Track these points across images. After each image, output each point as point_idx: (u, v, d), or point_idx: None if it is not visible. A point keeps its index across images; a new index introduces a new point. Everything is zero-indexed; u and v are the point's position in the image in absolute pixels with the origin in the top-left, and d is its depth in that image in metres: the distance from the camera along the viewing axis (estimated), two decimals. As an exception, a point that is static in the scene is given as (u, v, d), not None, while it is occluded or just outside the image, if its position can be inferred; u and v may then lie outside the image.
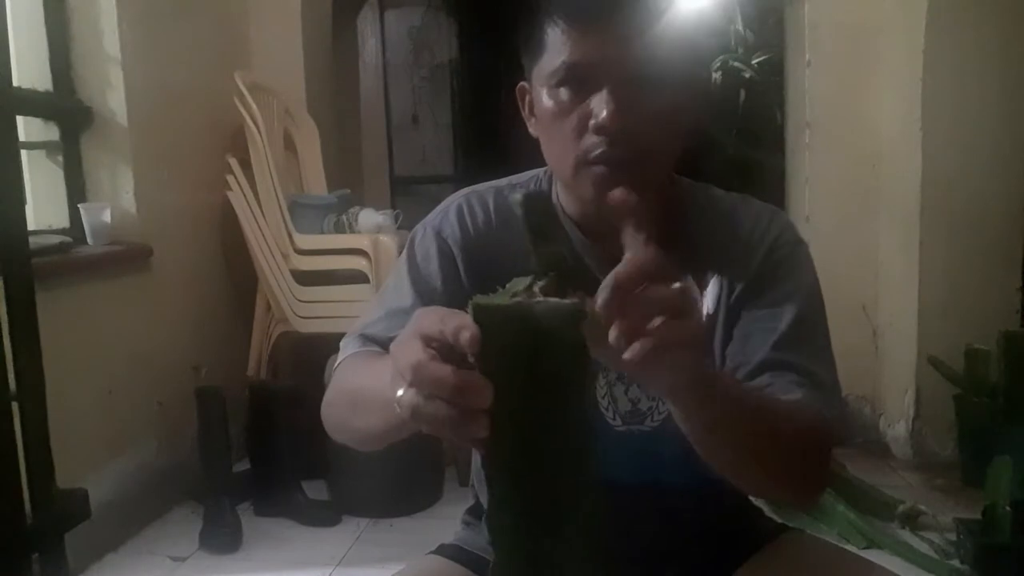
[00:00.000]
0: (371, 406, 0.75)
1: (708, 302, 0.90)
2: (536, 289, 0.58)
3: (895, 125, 2.53)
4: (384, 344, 0.89)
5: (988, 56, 2.36)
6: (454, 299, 0.67)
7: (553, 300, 0.57)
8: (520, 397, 0.56)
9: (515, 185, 0.96)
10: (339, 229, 2.59)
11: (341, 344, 0.98)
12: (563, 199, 0.91)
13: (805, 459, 0.80)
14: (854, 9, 2.63)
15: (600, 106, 0.79)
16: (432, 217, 0.96)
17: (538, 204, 0.65)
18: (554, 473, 0.58)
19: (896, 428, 2.59)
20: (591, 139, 0.80)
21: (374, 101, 4.47)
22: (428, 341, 0.59)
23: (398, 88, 4.67)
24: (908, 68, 2.43)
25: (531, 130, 0.89)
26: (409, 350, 0.59)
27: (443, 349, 0.58)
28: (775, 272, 0.89)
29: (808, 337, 0.89)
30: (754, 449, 0.73)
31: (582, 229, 0.90)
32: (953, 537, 1.95)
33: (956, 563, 1.88)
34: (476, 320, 0.56)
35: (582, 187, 0.84)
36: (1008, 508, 1.79)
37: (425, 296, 0.91)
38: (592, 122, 0.80)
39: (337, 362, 0.97)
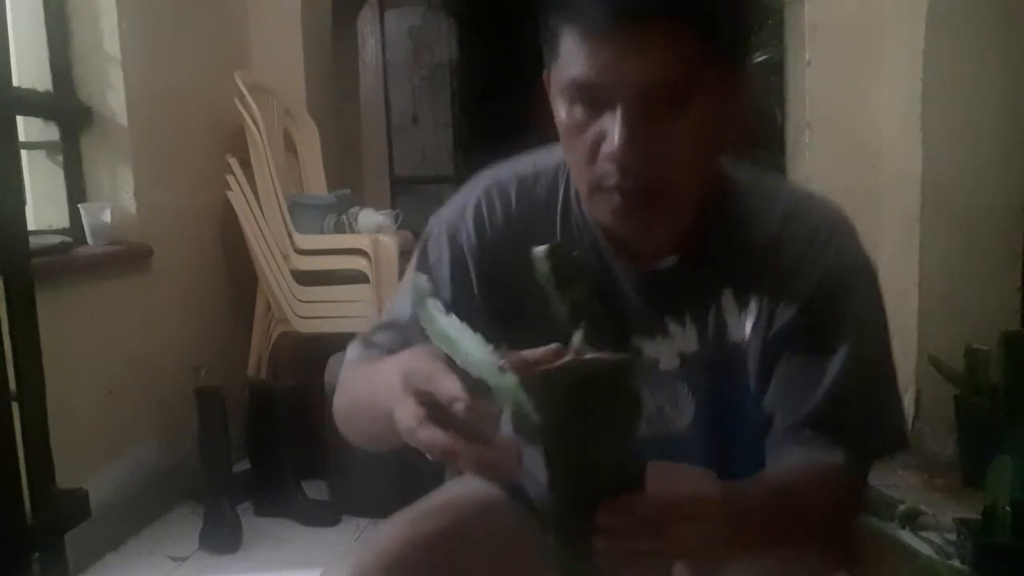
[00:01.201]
0: (373, 421, 0.76)
1: (744, 328, 0.83)
2: (575, 341, 0.60)
3: (895, 125, 2.52)
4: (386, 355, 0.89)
5: (988, 56, 2.36)
6: (462, 311, 0.65)
7: (608, 356, 0.59)
8: (580, 447, 0.60)
9: (538, 176, 0.88)
10: (339, 229, 2.59)
11: (349, 347, 0.97)
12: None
13: (831, 531, 0.79)
14: (854, 9, 2.63)
15: (612, 130, 0.71)
16: (449, 213, 0.91)
17: (563, 254, 0.66)
18: (611, 491, 0.62)
19: (896, 428, 2.59)
20: (604, 166, 0.73)
21: (374, 101, 4.48)
22: (420, 398, 0.61)
23: (398, 88, 4.67)
24: (908, 68, 2.43)
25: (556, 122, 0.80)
26: (406, 409, 0.62)
27: (436, 407, 0.60)
28: (827, 306, 0.80)
29: (859, 387, 0.81)
30: (782, 540, 0.74)
31: (606, 234, 0.84)
32: (953, 537, 1.95)
33: (956, 563, 1.88)
34: (543, 380, 0.57)
35: (598, 213, 0.78)
36: (1008, 508, 1.79)
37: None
38: (604, 149, 0.72)
39: (343, 366, 0.95)
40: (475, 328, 0.62)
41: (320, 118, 2.95)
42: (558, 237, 0.84)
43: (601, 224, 0.81)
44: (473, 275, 0.87)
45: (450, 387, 0.59)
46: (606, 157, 0.72)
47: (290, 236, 2.52)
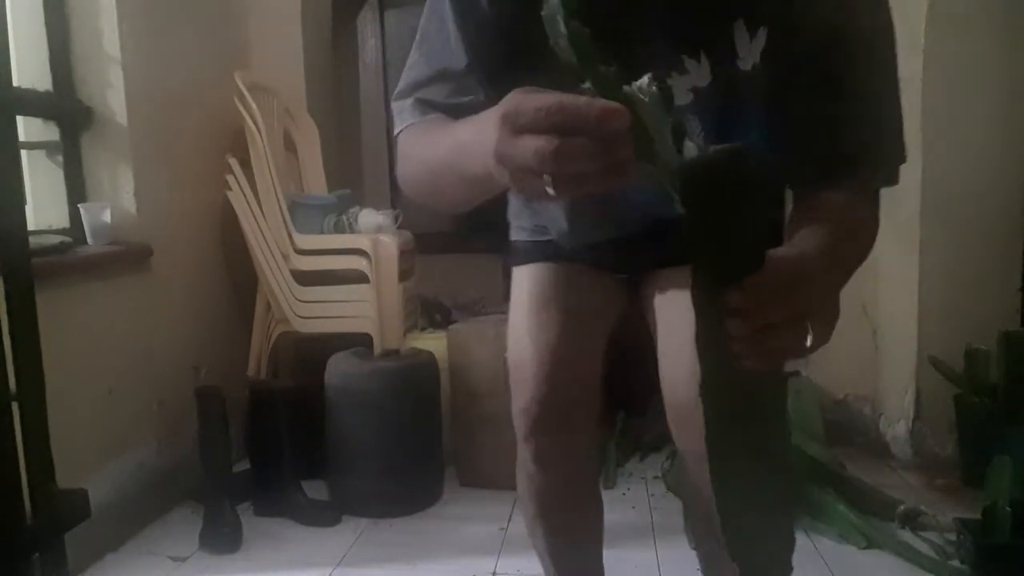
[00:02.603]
0: (456, 182, 0.74)
1: (755, 56, 0.86)
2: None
3: (895, 125, 2.53)
4: (444, 111, 0.85)
5: (988, 56, 2.36)
6: (517, 47, 0.63)
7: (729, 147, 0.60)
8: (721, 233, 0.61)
9: None
10: (339, 229, 2.59)
11: (394, 108, 0.91)
12: None
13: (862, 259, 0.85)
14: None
15: None
16: None
17: None
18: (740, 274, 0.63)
19: (896, 428, 2.59)
20: None
21: (374, 101, 4.47)
22: (557, 130, 0.55)
23: (398, 88, 4.67)
24: (908, 68, 2.43)
25: None
26: (524, 143, 0.57)
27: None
28: (837, 28, 0.82)
29: (874, 109, 0.83)
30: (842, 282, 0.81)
31: None
32: (953, 537, 1.95)
33: (956, 563, 1.88)
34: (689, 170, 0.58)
35: None
36: (1008, 508, 1.79)
37: (480, 51, 0.85)
38: None
39: (398, 130, 0.90)
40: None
41: (320, 118, 2.95)
42: None
43: None
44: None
45: (598, 101, 0.55)
46: None
47: (290, 236, 2.52)
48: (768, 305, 0.61)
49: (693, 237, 0.60)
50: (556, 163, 0.55)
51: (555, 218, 1.16)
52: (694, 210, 0.59)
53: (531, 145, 0.56)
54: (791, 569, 0.78)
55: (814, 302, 0.66)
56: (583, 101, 0.55)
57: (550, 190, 0.57)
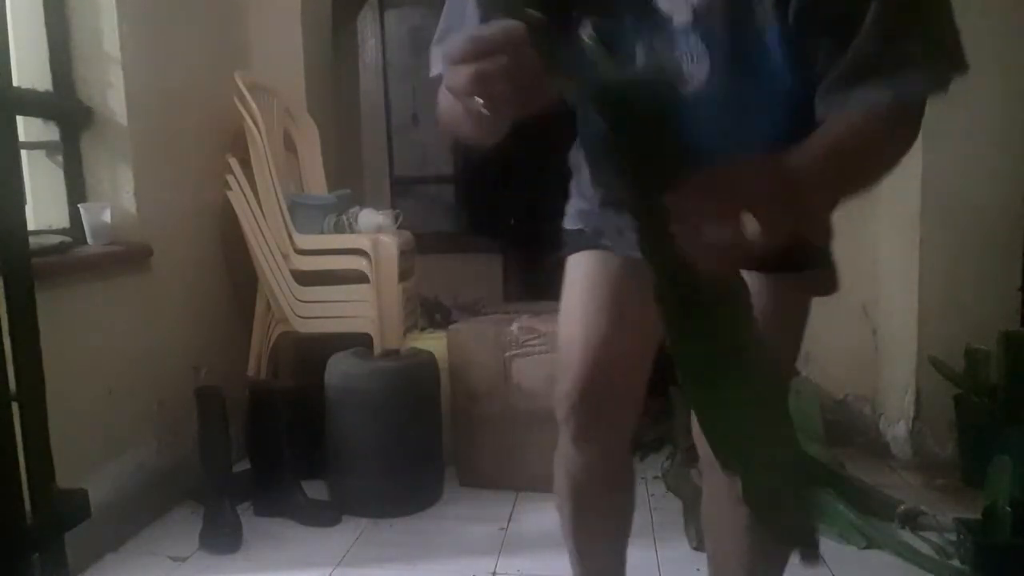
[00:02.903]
0: (459, 116, 0.81)
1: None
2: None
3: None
4: None
5: (988, 57, 2.36)
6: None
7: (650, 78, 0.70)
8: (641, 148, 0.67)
9: None
10: (339, 229, 2.59)
11: (431, 55, 1.04)
12: None
13: (891, 164, 0.82)
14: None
15: None
16: None
17: None
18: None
19: (896, 428, 2.59)
20: None
21: (374, 101, 4.47)
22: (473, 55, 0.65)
23: (398, 88, 4.66)
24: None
25: None
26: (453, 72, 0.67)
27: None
28: None
29: (910, 10, 0.79)
30: (849, 180, 0.79)
31: None
32: (953, 537, 1.95)
33: (956, 563, 1.88)
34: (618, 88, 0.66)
35: None
36: (1008, 508, 1.79)
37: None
38: None
39: (432, 74, 1.00)
40: None
41: (320, 118, 2.95)
42: None
43: None
44: None
45: (493, 26, 0.65)
46: None
47: (290, 236, 2.52)
48: (699, 203, 0.63)
49: (621, 151, 0.65)
50: (479, 84, 0.66)
51: (589, 195, 1.19)
52: (616, 126, 0.64)
53: (461, 72, 0.66)
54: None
55: (756, 199, 0.65)
56: (489, 27, 0.66)
57: (484, 110, 0.67)
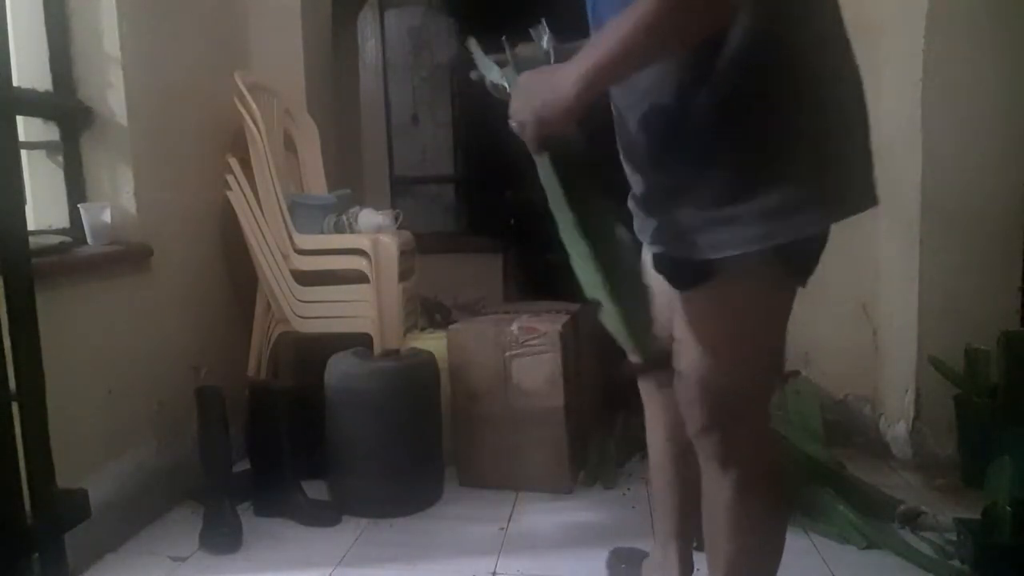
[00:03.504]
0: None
1: None
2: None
3: (895, 125, 2.53)
4: None
5: (988, 56, 2.36)
6: None
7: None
8: None
9: None
10: (339, 229, 2.59)
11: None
12: None
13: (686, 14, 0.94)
14: (854, 9, 2.61)
15: None
16: None
17: None
18: None
19: (896, 428, 2.59)
20: None
21: (374, 101, 4.47)
22: None
23: (398, 88, 4.66)
24: (908, 68, 2.43)
25: None
26: None
27: None
28: None
29: None
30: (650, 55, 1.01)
31: None
32: (953, 537, 1.95)
33: (956, 563, 1.88)
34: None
35: None
36: (1008, 508, 1.79)
37: None
38: None
39: None
40: None
41: (320, 118, 2.95)
42: None
43: None
44: None
45: None
46: None
47: (290, 236, 2.52)
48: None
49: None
50: None
51: None
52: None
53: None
54: None
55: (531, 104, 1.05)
56: None
57: None
